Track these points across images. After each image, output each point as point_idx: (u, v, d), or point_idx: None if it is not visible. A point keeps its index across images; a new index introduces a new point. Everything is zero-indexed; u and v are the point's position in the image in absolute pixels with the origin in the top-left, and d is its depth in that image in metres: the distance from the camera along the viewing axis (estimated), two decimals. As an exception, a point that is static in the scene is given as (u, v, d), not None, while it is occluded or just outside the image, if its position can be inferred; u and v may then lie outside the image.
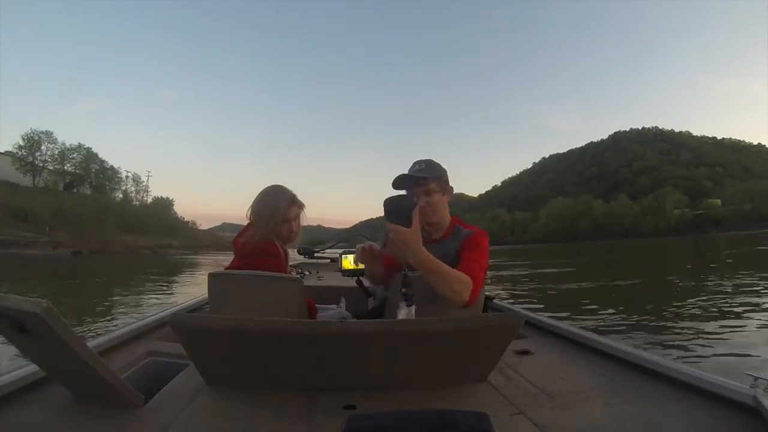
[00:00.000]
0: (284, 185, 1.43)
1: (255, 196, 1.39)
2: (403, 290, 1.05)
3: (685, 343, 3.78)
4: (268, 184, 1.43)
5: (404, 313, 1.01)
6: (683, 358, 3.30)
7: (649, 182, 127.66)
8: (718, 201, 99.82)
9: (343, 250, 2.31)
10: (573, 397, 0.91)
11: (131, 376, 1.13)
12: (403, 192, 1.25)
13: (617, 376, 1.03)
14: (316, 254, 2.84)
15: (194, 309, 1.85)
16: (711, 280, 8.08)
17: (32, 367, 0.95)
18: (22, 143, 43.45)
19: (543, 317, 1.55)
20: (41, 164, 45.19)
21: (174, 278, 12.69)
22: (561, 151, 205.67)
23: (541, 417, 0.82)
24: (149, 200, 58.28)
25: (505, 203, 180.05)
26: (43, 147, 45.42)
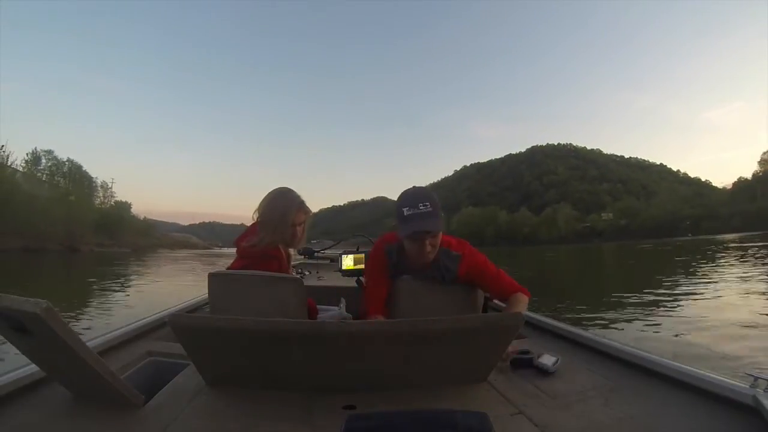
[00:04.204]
0: (292, 188, 1.42)
1: (251, 197, 1.46)
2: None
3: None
4: (265, 185, 1.47)
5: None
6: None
7: (557, 195, 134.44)
8: (611, 214, 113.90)
9: (343, 250, 2.31)
10: (573, 397, 0.91)
11: (131, 376, 1.14)
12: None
13: (617, 376, 1.03)
14: (316, 254, 2.85)
15: (194, 309, 1.84)
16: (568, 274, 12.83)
17: (32, 367, 0.95)
18: (27, 158, 51.25)
19: (543, 317, 1.55)
20: (44, 177, 52.65)
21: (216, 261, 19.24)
22: (482, 161, 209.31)
23: (541, 417, 0.82)
24: (112, 204, 64.94)
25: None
26: (43, 161, 53.62)
